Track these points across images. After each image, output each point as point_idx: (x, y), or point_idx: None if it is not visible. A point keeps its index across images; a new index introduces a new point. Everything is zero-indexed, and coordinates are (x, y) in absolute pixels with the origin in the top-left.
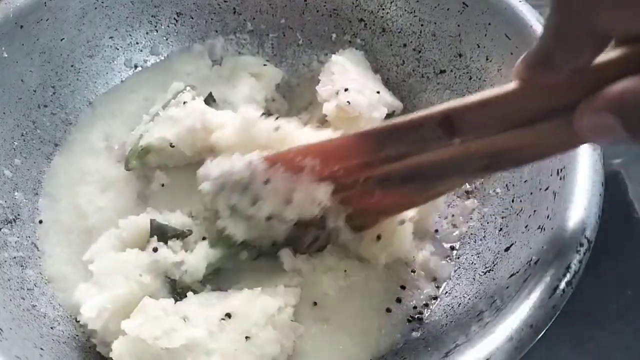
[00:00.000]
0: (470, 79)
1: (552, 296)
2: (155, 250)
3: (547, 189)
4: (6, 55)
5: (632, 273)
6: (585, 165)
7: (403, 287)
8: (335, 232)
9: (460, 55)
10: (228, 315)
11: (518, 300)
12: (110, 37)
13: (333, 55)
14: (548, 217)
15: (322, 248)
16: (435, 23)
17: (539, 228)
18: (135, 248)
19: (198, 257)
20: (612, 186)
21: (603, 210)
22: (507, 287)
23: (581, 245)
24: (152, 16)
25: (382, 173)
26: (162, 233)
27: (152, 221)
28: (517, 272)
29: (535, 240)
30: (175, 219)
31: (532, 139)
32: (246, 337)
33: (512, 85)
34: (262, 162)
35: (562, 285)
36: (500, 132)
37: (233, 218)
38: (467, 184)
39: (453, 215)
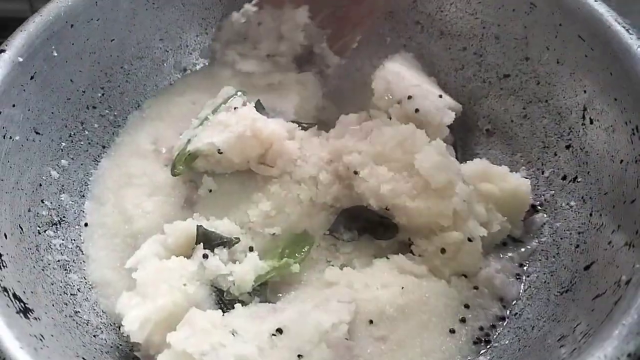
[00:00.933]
0: (539, 83)
1: None
2: (205, 257)
3: (633, 201)
4: (56, 55)
5: None
6: None
7: (467, 307)
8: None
9: (527, 59)
10: (279, 330)
11: (610, 325)
12: (161, 39)
13: (386, 63)
14: (637, 232)
15: None
16: (498, 25)
17: (626, 245)
18: (180, 256)
19: (246, 267)
20: None
21: None
22: (593, 310)
23: None
24: (202, 19)
25: None
26: (208, 240)
27: (198, 227)
28: (604, 293)
29: (623, 258)
30: (223, 226)
31: None
32: (298, 356)
33: None
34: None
35: None
36: None
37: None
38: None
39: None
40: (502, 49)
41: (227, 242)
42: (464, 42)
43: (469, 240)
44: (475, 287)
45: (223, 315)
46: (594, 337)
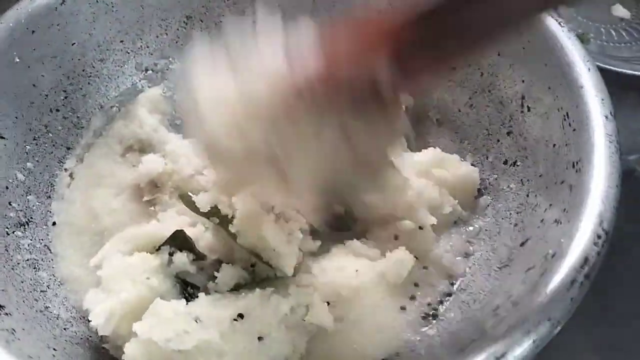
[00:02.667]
0: (482, 75)
1: (570, 289)
2: (171, 254)
3: (562, 182)
4: (18, 61)
5: None
6: (601, 157)
7: (416, 285)
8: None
9: None
10: (240, 315)
11: (535, 294)
12: (121, 41)
13: None
14: (565, 210)
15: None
16: None
17: (555, 222)
18: (144, 252)
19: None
20: (629, 182)
21: (620, 206)
22: (524, 282)
23: (599, 237)
24: (161, 20)
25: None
26: (181, 245)
27: (182, 196)
28: (534, 267)
29: (552, 234)
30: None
31: None
32: (259, 338)
33: None
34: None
35: (581, 278)
36: None
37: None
38: None
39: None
40: None
41: (199, 254)
42: None
43: (420, 228)
44: (425, 267)
45: (187, 304)
46: (521, 304)
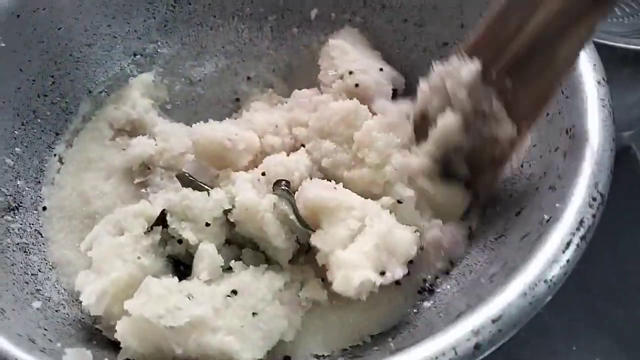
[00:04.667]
0: None
1: (566, 250)
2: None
3: (557, 149)
4: (4, 45)
5: None
6: (595, 121)
7: (411, 262)
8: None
9: (462, 26)
10: (234, 292)
11: (531, 257)
12: (108, 25)
13: (330, 40)
14: (559, 177)
15: None
16: None
17: (550, 188)
18: (135, 231)
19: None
20: (624, 160)
21: (616, 184)
22: (519, 249)
23: (594, 199)
24: (149, 3)
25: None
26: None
27: (179, 177)
28: (529, 234)
29: (547, 201)
30: None
31: None
32: (253, 313)
33: None
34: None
35: (576, 239)
36: None
37: None
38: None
39: None
40: (439, 18)
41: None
42: (404, 13)
43: (399, 202)
44: (421, 248)
45: (179, 282)
46: (517, 269)
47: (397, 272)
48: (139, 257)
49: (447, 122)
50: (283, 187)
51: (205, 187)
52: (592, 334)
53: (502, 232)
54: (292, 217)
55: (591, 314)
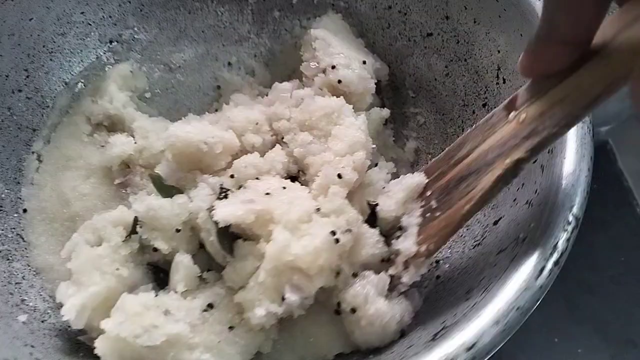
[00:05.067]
0: (458, 42)
1: (539, 277)
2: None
3: (535, 161)
4: None
5: (624, 240)
6: (573, 139)
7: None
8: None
9: (447, 18)
10: (210, 305)
11: (505, 281)
12: (82, 13)
13: (312, 30)
14: (536, 192)
15: None
16: None
17: (526, 203)
18: (113, 237)
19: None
20: (601, 155)
21: (593, 179)
22: (495, 265)
23: (569, 223)
24: None
25: (445, 181)
26: None
27: (152, 178)
28: (505, 249)
29: (523, 216)
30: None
31: (572, 87)
32: (229, 327)
33: None
34: None
35: (549, 265)
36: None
37: None
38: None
39: None
40: (424, 8)
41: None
42: (388, 0)
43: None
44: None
45: (156, 295)
46: (491, 291)
47: (292, 297)
48: (117, 269)
49: None
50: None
51: (176, 190)
52: (572, 326)
53: (479, 241)
54: (212, 238)
55: (570, 307)
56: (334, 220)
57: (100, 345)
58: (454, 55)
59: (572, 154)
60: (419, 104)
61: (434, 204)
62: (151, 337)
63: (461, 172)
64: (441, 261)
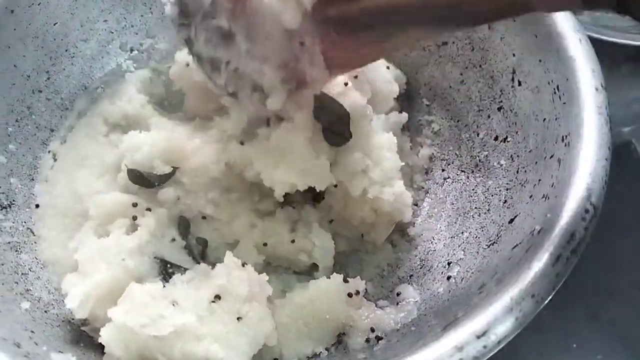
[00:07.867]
0: (473, 49)
1: (556, 264)
2: (134, 218)
3: (552, 156)
4: None
5: None
6: (590, 129)
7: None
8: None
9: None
10: (217, 297)
11: (519, 270)
12: (105, 21)
13: None
14: (553, 185)
15: None
16: None
17: (543, 197)
18: (119, 230)
19: None
20: (624, 155)
21: (616, 180)
22: (510, 259)
23: (587, 212)
24: None
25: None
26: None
27: (129, 171)
28: (520, 243)
29: (539, 210)
30: None
31: None
32: (238, 318)
33: None
34: None
35: (567, 253)
36: None
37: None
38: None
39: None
40: None
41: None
42: None
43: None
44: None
45: (164, 286)
46: (505, 282)
47: None
48: (123, 259)
49: None
50: None
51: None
52: (591, 331)
53: (494, 240)
54: None
55: (589, 312)
56: None
57: (105, 334)
58: (469, 62)
59: (590, 144)
60: (434, 111)
61: (334, 35)
62: (158, 327)
63: (378, 12)
64: (452, 263)
